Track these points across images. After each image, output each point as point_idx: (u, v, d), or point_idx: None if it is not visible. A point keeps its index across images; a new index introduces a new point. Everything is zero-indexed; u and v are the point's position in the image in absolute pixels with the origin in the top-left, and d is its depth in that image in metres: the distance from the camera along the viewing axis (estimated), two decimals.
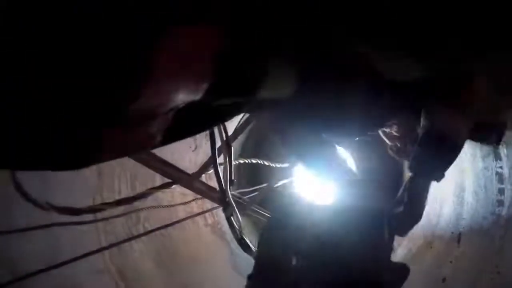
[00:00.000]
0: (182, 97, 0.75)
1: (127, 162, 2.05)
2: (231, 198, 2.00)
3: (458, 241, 2.21)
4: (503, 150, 1.82)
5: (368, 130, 1.43)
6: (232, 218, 2.03)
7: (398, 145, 1.74)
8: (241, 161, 2.95)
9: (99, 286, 1.98)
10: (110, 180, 2.11)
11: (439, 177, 1.34)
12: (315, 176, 1.74)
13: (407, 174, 1.44)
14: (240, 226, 1.98)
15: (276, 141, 1.61)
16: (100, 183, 2.04)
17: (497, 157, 1.85)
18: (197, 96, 0.77)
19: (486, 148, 1.87)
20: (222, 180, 2.07)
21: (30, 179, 1.44)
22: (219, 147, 2.13)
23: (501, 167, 1.84)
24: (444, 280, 2.12)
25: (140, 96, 0.65)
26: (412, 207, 1.36)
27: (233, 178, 2.19)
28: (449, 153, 1.32)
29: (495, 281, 1.81)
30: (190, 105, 0.78)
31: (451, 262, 2.19)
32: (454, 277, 2.10)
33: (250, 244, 1.91)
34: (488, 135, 1.38)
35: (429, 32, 0.96)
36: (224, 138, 2.24)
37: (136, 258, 2.23)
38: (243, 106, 0.96)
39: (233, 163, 2.77)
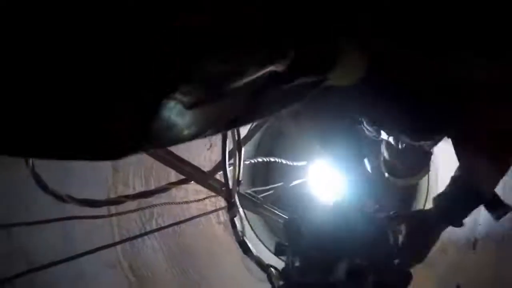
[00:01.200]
0: (260, 65, 0.69)
1: (142, 158, 2.07)
2: (236, 199, 2.01)
3: (474, 247, 2.17)
4: None
5: (420, 136, 1.39)
6: (235, 219, 2.03)
7: (397, 164, 1.72)
8: (258, 160, 2.95)
9: (111, 280, 2.01)
10: (125, 176, 2.13)
11: (458, 224, 1.33)
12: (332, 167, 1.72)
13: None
14: (243, 228, 1.98)
15: (297, 133, 1.60)
16: (115, 178, 2.06)
17: None
18: (278, 67, 0.72)
19: None
20: (229, 179, 2.07)
21: (47, 172, 1.47)
22: (232, 148, 2.13)
23: None
24: (458, 287, 2.08)
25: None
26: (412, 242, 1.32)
27: (241, 179, 2.20)
28: (474, 206, 1.31)
29: None
30: (266, 82, 0.72)
31: (466, 269, 2.15)
32: (469, 284, 2.06)
33: (251, 247, 1.90)
34: (497, 209, 1.36)
35: None
36: (236, 138, 2.24)
37: (148, 253, 2.25)
38: (315, 87, 0.92)
39: (250, 161, 2.77)
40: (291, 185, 3.12)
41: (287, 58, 0.72)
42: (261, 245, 3.39)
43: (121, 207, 1.95)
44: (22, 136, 0.53)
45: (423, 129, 1.31)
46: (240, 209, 2.34)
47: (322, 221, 1.23)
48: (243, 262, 2.94)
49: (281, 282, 1.31)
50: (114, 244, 1.90)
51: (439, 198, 1.34)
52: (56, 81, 0.49)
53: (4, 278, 1.44)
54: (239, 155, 2.17)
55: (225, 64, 0.62)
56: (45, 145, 0.55)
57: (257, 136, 3.00)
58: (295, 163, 3.13)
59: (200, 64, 0.58)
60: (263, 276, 2.80)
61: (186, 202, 2.53)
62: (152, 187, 2.29)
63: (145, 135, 0.58)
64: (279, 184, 3.09)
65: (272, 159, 2.99)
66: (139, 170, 2.21)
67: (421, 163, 1.95)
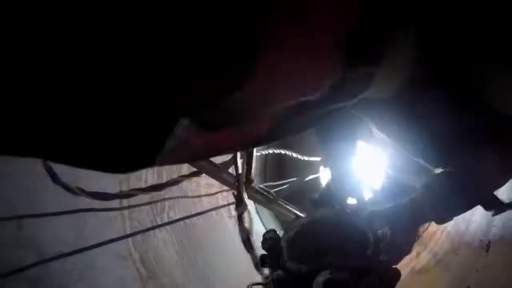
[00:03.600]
0: (295, 96, 0.63)
1: None
2: (245, 196, 2.00)
3: (487, 249, 2.13)
4: None
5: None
6: (242, 216, 2.02)
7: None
8: (269, 151, 2.94)
9: (122, 272, 2.03)
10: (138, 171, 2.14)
11: (445, 220, 1.28)
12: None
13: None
14: (250, 226, 1.97)
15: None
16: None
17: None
18: (313, 97, 0.66)
19: None
20: (239, 176, 2.06)
21: (59, 165, 1.48)
22: None
23: None
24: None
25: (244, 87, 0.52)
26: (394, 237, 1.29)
27: (252, 176, 2.19)
28: (460, 209, 1.27)
29: None
30: (296, 109, 0.66)
31: (477, 270, 2.11)
32: (479, 286, 2.02)
33: (254, 246, 1.89)
34: (493, 207, 1.32)
35: None
36: None
37: (159, 246, 2.26)
38: (345, 108, 0.86)
39: (261, 153, 2.75)
40: (305, 180, 3.10)
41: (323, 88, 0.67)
42: None
43: (134, 200, 1.96)
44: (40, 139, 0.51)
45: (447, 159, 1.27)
46: (249, 206, 2.34)
47: (301, 231, 1.20)
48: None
49: None
50: (126, 237, 1.91)
51: (427, 188, 1.27)
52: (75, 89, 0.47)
53: (15, 269, 1.46)
54: (251, 152, 2.16)
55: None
56: (61, 153, 0.54)
57: None
58: (308, 158, 3.11)
59: (232, 94, 0.54)
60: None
61: (198, 196, 2.54)
62: (164, 180, 2.30)
63: (158, 153, 0.56)
64: (293, 179, 3.08)
65: (283, 152, 2.97)
66: None
67: None
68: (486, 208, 1.30)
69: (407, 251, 1.29)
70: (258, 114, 0.63)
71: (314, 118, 0.79)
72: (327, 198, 1.41)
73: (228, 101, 0.54)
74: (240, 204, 1.91)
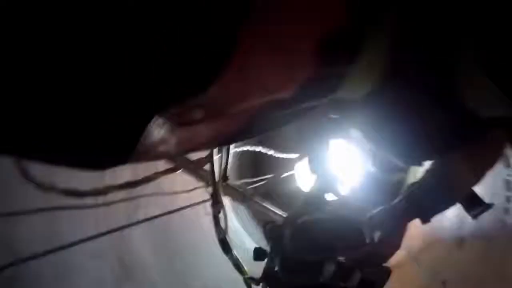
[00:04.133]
0: (267, 96, 0.64)
1: None
2: (221, 195, 1.99)
3: (460, 245, 2.19)
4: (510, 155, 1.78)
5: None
6: (218, 215, 2.00)
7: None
8: (245, 149, 2.93)
9: (98, 271, 1.98)
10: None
11: (426, 219, 1.32)
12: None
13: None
14: (226, 225, 1.96)
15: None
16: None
17: (507, 164, 1.82)
18: (286, 95, 0.66)
19: None
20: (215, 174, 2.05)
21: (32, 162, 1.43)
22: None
23: (510, 175, 1.80)
24: (444, 283, 2.10)
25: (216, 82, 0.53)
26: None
27: (228, 171, 2.17)
28: (444, 204, 1.30)
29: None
30: (268, 107, 0.67)
31: (451, 265, 2.17)
32: (455, 281, 2.08)
33: (231, 246, 1.89)
34: (475, 207, 1.37)
35: None
36: None
37: (135, 244, 2.22)
38: (319, 106, 0.87)
39: (235, 150, 2.74)
40: (281, 176, 3.11)
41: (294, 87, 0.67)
42: (248, 238, 3.38)
43: (109, 197, 1.92)
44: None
45: (420, 158, 1.30)
46: (226, 205, 2.33)
47: (306, 223, 1.22)
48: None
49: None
50: (101, 235, 1.87)
51: (410, 188, 1.32)
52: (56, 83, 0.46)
53: None
54: (227, 150, 2.15)
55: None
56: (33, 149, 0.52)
57: None
58: (284, 155, 3.11)
59: (204, 90, 0.54)
60: (249, 268, 2.80)
61: (174, 193, 2.51)
62: (140, 177, 2.26)
63: (133, 150, 0.54)
64: (269, 176, 3.08)
65: (259, 149, 2.97)
66: None
67: None
68: (467, 208, 1.33)
69: (398, 247, 1.33)
70: (233, 111, 0.64)
71: (287, 116, 0.80)
72: (317, 199, 1.42)
73: (202, 97, 0.54)
74: (216, 203, 1.90)
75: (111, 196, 1.86)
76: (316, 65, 0.67)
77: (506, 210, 1.83)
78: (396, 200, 1.31)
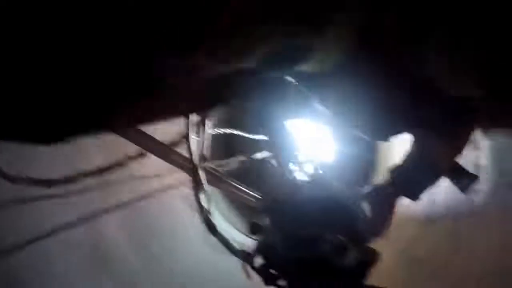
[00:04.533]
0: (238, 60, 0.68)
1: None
2: (201, 175, 1.96)
3: (430, 224, 2.26)
4: (483, 142, 1.84)
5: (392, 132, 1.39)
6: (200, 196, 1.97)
7: None
8: (216, 131, 2.90)
9: (74, 259, 1.93)
10: (84, 152, 2.02)
11: (414, 198, 1.35)
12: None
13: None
14: (209, 206, 1.93)
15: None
16: (74, 155, 1.94)
17: (477, 147, 1.88)
18: (251, 62, 0.71)
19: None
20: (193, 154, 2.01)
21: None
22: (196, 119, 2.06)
23: (478, 157, 1.87)
24: (416, 259, 2.16)
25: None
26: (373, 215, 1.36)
27: (205, 153, 2.14)
28: (429, 181, 1.35)
29: (466, 263, 1.86)
30: (233, 75, 0.72)
31: (421, 243, 2.24)
32: (424, 257, 2.14)
33: (217, 227, 1.87)
34: (461, 179, 1.41)
35: None
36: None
37: (110, 230, 2.17)
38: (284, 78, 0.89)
39: (208, 132, 2.70)
40: (254, 158, 3.09)
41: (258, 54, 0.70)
42: (222, 220, 3.36)
43: (82, 185, 1.86)
44: None
45: (387, 132, 1.33)
46: (206, 185, 2.30)
47: (304, 198, 1.23)
48: (205, 237, 2.91)
49: (258, 259, 1.32)
50: (75, 224, 1.82)
51: (395, 171, 1.36)
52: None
53: None
54: (203, 128, 2.10)
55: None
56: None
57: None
58: (255, 137, 3.09)
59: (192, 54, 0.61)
60: (223, 248, 2.79)
61: (147, 177, 2.47)
62: (112, 163, 2.20)
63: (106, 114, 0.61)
64: (242, 157, 3.05)
65: (231, 131, 2.93)
66: (99, 145, 2.10)
67: None
68: (453, 180, 1.38)
69: (385, 229, 1.35)
70: (210, 74, 0.69)
71: (253, 84, 0.82)
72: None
73: (188, 59, 0.61)
74: (197, 185, 1.87)
75: (85, 184, 1.81)
76: (278, 38, 0.70)
77: (475, 191, 1.88)
78: (384, 182, 1.34)
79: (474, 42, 0.94)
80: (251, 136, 3.08)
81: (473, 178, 1.40)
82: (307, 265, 1.11)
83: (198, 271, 2.56)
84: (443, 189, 2.27)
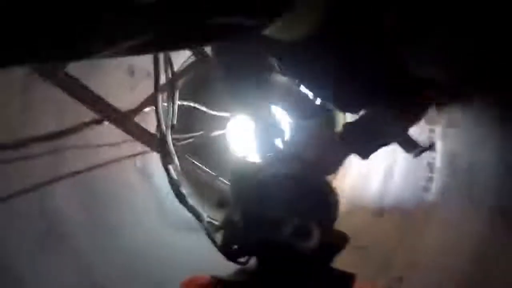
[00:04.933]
0: None
1: (55, 95, 1.84)
2: (171, 145, 1.87)
3: (380, 215, 2.33)
4: (438, 142, 1.90)
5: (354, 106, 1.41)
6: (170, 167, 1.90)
7: None
8: (179, 103, 2.82)
9: (23, 230, 1.81)
10: (35, 115, 1.88)
11: (364, 156, 1.38)
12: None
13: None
14: (178, 177, 1.87)
15: (221, 87, 1.56)
16: (24, 118, 1.80)
17: (432, 147, 1.94)
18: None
19: (422, 138, 1.94)
20: (162, 123, 1.91)
21: None
22: (162, 85, 1.97)
23: (433, 158, 1.93)
24: (362, 247, 2.22)
25: None
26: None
27: (174, 122, 2.05)
28: (377, 143, 1.39)
29: (408, 256, 1.94)
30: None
31: (370, 233, 2.30)
32: (372, 246, 2.20)
33: (187, 198, 1.82)
34: (413, 147, 1.48)
35: None
36: (170, 75, 2.08)
37: (61, 200, 2.06)
38: (249, 32, 0.85)
39: (165, 105, 2.63)
40: (212, 135, 3.06)
41: None
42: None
43: (32, 150, 1.75)
44: None
45: (354, 103, 1.35)
46: (156, 161, 2.21)
47: (269, 178, 1.19)
48: (157, 209, 2.86)
49: (221, 235, 1.29)
50: (24, 192, 1.71)
51: (345, 126, 1.41)
52: None
53: None
54: (173, 95, 2.01)
55: None
56: None
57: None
58: (217, 113, 3.05)
59: None
60: (180, 225, 2.74)
61: (101, 146, 2.37)
62: (65, 128, 2.08)
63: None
64: (200, 132, 3.01)
65: (193, 105, 2.87)
66: (50, 108, 1.96)
67: None
68: (404, 148, 1.45)
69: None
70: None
71: (212, 28, 0.80)
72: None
73: None
74: (165, 155, 1.79)
75: (36, 150, 1.69)
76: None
77: (426, 189, 1.97)
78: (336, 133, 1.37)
79: (449, 29, 0.97)
80: (212, 111, 3.03)
81: (424, 149, 1.48)
82: (269, 246, 1.09)
83: (155, 247, 2.50)
84: (394, 185, 2.36)
